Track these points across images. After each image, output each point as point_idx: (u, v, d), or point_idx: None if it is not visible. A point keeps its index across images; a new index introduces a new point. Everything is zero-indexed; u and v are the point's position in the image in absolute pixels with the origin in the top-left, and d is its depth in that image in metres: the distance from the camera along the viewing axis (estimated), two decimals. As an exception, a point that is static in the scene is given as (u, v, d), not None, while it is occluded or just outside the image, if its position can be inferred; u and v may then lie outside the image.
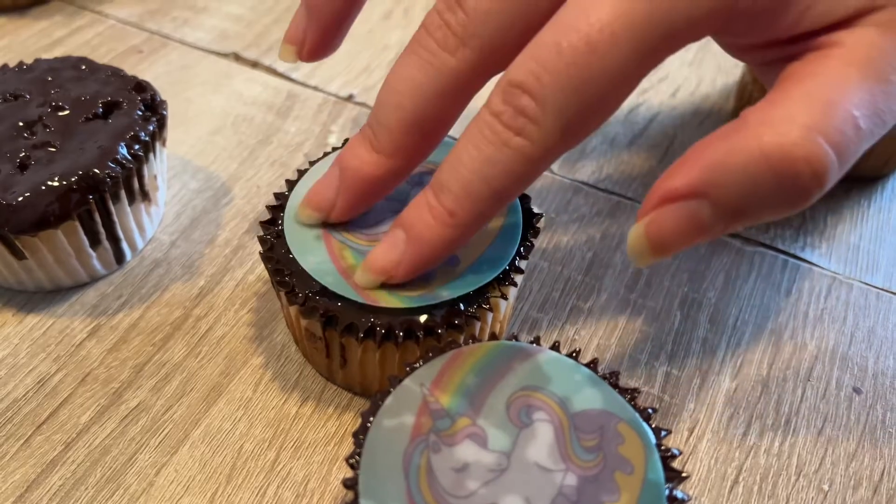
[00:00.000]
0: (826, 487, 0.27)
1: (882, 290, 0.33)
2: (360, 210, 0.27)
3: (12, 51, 0.42)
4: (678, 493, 0.22)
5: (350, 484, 0.22)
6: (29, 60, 0.38)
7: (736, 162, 0.21)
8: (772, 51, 0.24)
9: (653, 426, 0.23)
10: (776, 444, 0.28)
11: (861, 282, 0.33)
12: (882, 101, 0.22)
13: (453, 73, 0.24)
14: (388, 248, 0.25)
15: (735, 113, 0.40)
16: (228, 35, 0.44)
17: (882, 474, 0.27)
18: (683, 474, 0.22)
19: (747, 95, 0.39)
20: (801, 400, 0.29)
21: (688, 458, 0.28)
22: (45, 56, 0.42)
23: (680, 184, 0.22)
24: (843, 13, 0.23)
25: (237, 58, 0.43)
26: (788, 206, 0.22)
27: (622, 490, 0.21)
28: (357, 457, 0.22)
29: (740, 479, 0.27)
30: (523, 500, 0.21)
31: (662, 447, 0.22)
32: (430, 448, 0.22)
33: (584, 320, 0.31)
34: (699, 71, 0.43)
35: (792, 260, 0.34)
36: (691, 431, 0.28)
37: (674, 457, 0.22)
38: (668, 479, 0.22)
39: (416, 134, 0.25)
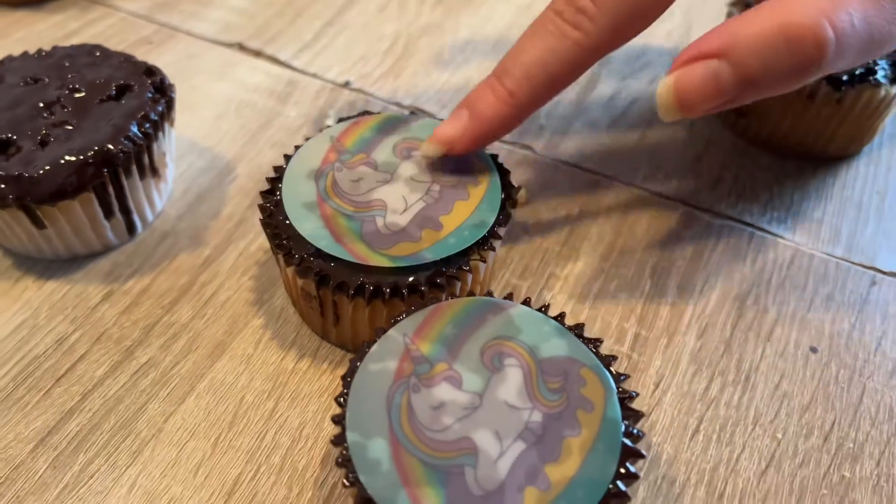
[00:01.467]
0: (780, 436, 0.29)
1: (841, 259, 0.35)
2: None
3: (29, 42, 0.45)
4: (634, 430, 0.24)
5: (338, 420, 0.24)
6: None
7: (756, 31, 0.26)
8: None
9: (613, 372, 0.25)
10: (735, 397, 0.30)
11: (822, 252, 0.36)
12: (873, 13, 0.26)
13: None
14: (452, 122, 0.30)
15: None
16: (233, 26, 0.47)
17: (833, 424, 0.30)
18: (640, 413, 0.24)
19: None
20: (761, 358, 0.32)
21: (653, 409, 0.30)
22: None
23: (707, 46, 0.26)
24: None
25: (241, 48, 0.46)
26: (794, 76, 0.26)
27: (583, 426, 0.24)
28: (345, 396, 0.24)
29: (701, 428, 0.29)
30: (493, 434, 0.23)
31: (621, 390, 0.25)
32: (411, 389, 0.24)
33: (561, 286, 0.34)
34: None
35: (758, 232, 0.36)
36: (657, 385, 0.31)
37: (632, 398, 0.25)
38: (625, 418, 0.24)
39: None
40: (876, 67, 0.37)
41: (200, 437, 0.29)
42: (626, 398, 0.25)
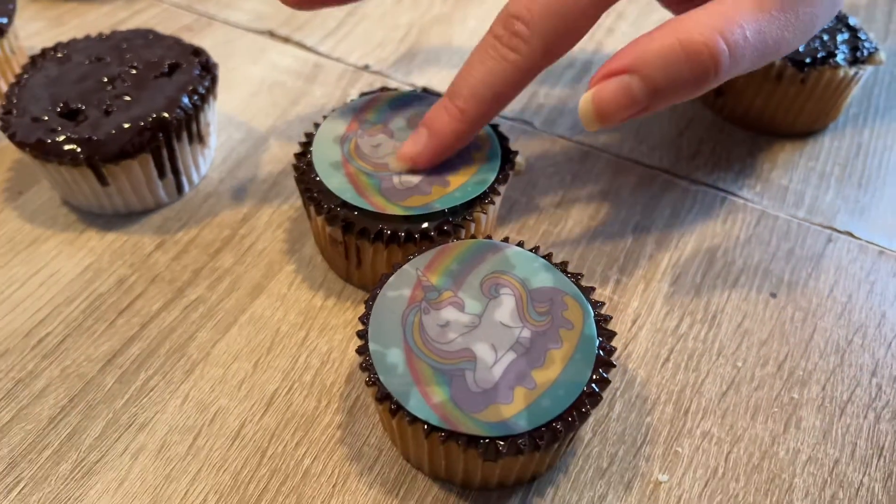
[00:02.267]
0: (740, 364, 0.34)
1: (802, 220, 0.40)
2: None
3: (83, 29, 0.50)
4: (607, 346, 0.29)
5: (362, 334, 0.29)
6: (99, 36, 0.46)
7: (659, 47, 0.30)
8: (691, 3, 0.32)
9: (591, 300, 0.30)
10: (702, 333, 0.35)
11: (786, 214, 0.40)
12: (765, 24, 0.31)
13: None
14: (413, 141, 0.34)
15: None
16: (264, 16, 0.52)
17: (786, 356, 0.34)
18: (612, 332, 0.29)
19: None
20: (727, 301, 0.36)
21: (630, 342, 0.35)
22: (112, 33, 0.50)
23: (618, 63, 0.30)
24: None
25: (272, 34, 0.51)
26: (695, 85, 0.30)
27: (564, 340, 0.29)
28: (367, 316, 0.29)
29: (671, 357, 0.34)
30: (489, 346, 0.28)
31: (597, 314, 0.30)
32: (422, 311, 0.29)
33: (553, 240, 0.39)
34: (666, 46, 0.50)
35: (730, 197, 0.41)
36: (634, 322, 0.35)
37: (606, 320, 0.30)
38: (600, 335, 0.29)
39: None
40: (836, 51, 0.41)
41: (243, 360, 0.34)
42: (601, 320, 0.29)
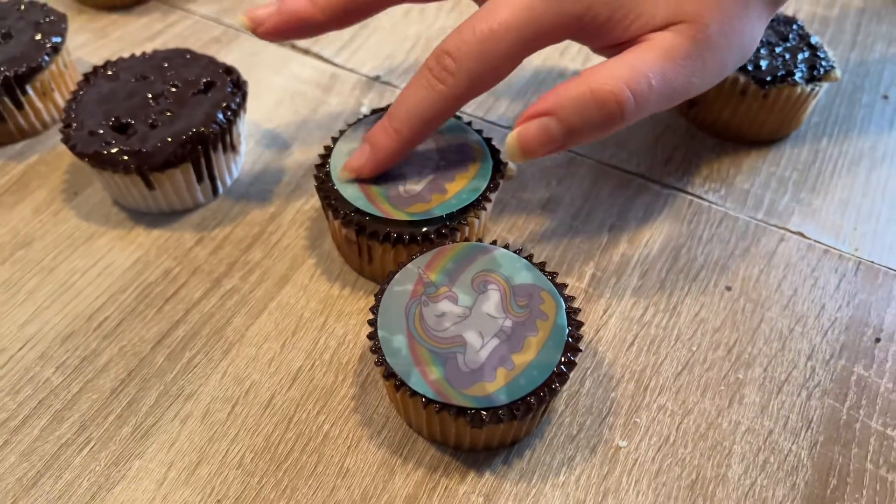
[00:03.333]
0: (694, 349, 0.40)
1: (760, 221, 0.46)
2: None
3: (125, 40, 0.56)
4: (575, 334, 0.35)
5: (372, 323, 0.35)
6: (138, 49, 0.52)
7: (574, 94, 0.35)
8: (612, 49, 0.37)
9: (564, 295, 0.36)
10: (664, 321, 0.41)
11: (746, 216, 0.46)
12: (670, 72, 0.36)
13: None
14: (358, 155, 0.39)
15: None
16: (285, 28, 0.58)
17: (735, 342, 0.40)
18: (581, 322, 0.35)
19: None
20: (687, 294, 0.42)
21: (601, 328, 0.41)
22: (149, 45, 0.56)
23: (541, 107, 0.36)
24: (654, 26, 0.36)
25: (293, 46, 0.56)
26: (604, 127, 0.36)
27: (539, 330, 0.34)
28: (377, 307, 0.35)
29: (635, 342, 0.40)
30: (477, 333, 0.34)
31: (568, 307, 0.35)
32: (422, 303, 0.35)
33: (539, 239, 0.44)
34: (648, 57, 0.55)
35: (696, 199, 0.47)
36: (605, 311, 0.41)
37: (576, 312, 0.35)
38: (569, 325, 0.35)
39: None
40: (795, 70, 0.47)
41: (272, 341, 0.40)
42: (571, 312, 0.35)
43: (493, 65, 0.36)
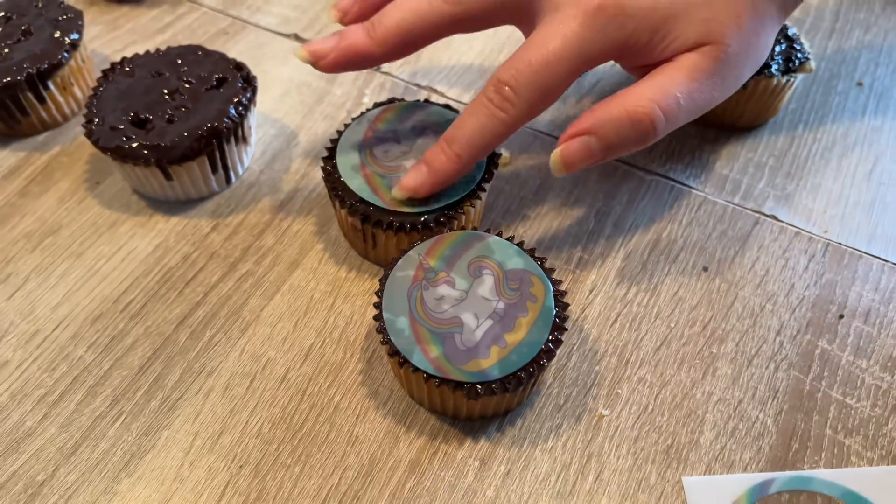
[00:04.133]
0: (672, 325, 0.43)
1: (737, 205, 0.49)
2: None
3: (136, 32, 0.59)
4: (562, 314, 0.38)
5: (377, 305, 0.38)
6: (149, 40, 0.55)
7: (612, 115, 0.39)
8: (646, 68, 0.40)
9: (552, 278, 0.39)
10: (645, 299, 0.44)
11: (724, 200, 0.49)
12: (695, 91, 0.39)
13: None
14: (415, 175, 0.42)
15: (657, 79, 0.56)
16: (290, 20, 0.60)
17: (710, 319, 0.44)
18: (567, 303, 0.39)
19: (663, 68, 0.54)
20: (667, 274, 0.46)
21: (587, 307, 0.44)
22: (160, 37, 0.58)
23: (582, 126, 0.39)
24: (685, 48, 0.40)
25: (297, 37, 0.59)
26: (638, 143, 0.40)
27: (530, 311, 0.38)
28: (381, 291, 0.39)
29: (618, 320, 0.44)
30: (473, 315, 0.38)
31: (556, 290, 0.39)
32: (423, 288, 0.39)
33: (531, 224, 0.48)
34: (636, 47, 0.58)
35: (678, 185, 0.50)
36: (591, 291, 0.45)
37: (563, 294, 0.39)
38: (557, 306, 0.38)
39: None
40: (771, 62, 0.50)
41: (285, 321, 0.43)
42: (558, 295, 0.39)
43: (548, 92, 0.40)
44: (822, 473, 0.38)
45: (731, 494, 0.38)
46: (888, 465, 0.39)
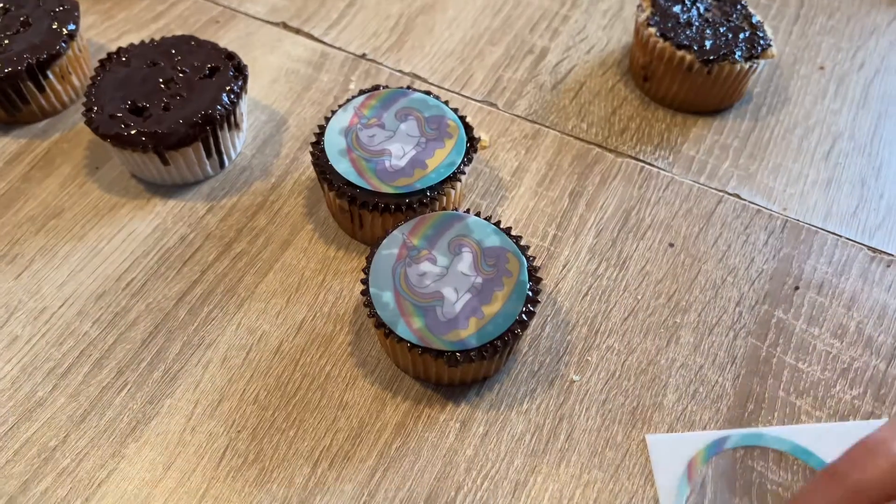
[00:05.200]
0: (639, 298, 0.47)
1: (702, 185, 0.52)
2: None
3: (130, 21, 0.61)
4: (535, 288, 0.41)
5: (364, 281, 0.41)
6: (143, 29, 0.57)
7: None
8: None
9: (527, 255, 0.42)
10: (614, 274, 0.48)
11: (689, 180, 0.52)
12: None
13: None
14: None
15: (629, 68, 0.58)
16: (278, 8, 0.63)
17: (675, 292, 0.47)
18: (540, 278, 0.42)
19: (634, 57, 0.57)
20: (635, 250, 0.49)
21: (560, 281, 0.47)
22: (153, 25, 0.61)
23: None
24: None
25: (285, 26, 0.61)
26: None
27: (505, 285, 0.41)
28: (368, 268, 0.42)
29: (589, 292, 0.47)
30: (453, 289, 0.41)
31: (530, 266, 0.42)
32: (406, 265, 0.42)
33: (508, 204, 0.51)
34: (609, 33, 0.61)
35: (647, 166, 0.53)
36: (564, 266, 0.48)
37: (536, 270, 0.42)
38: (530, 280, 0.41)
39: None
40: (735, 49, 0.52)
41: (278, 297, 0.46)
42: (532, 270, 0.42)
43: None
44: (773, 430, 0.42)
45: (690, 450, 0.41)
46: (834, 422, 0.42)
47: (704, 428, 0.42)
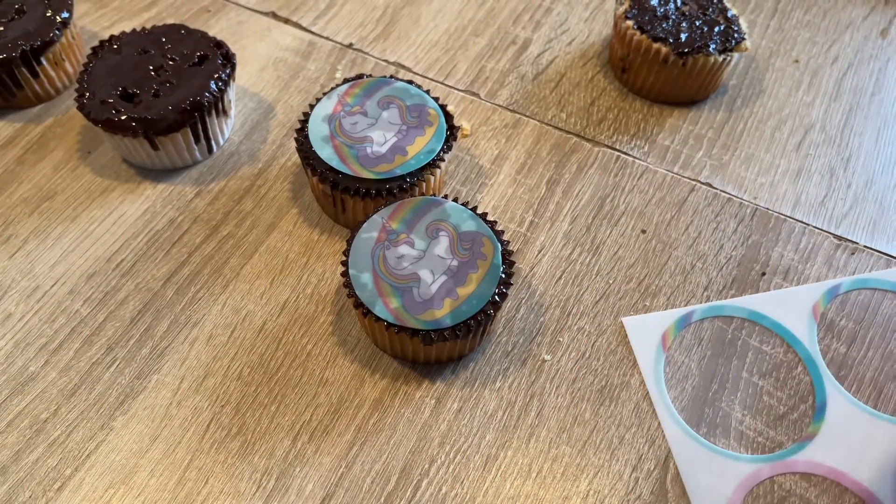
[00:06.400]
0: (611, 282, 0.48)
1: (675, 174, 0.54)
2: None
3: (122, 10, 0.62)
4: (508, 271, 0.43)
5: (344, 263, 0.43)
6: (135, 18, 0.59)
7: None
8: None
9: (501, 239, 0.44)
10: (588, 259, 0.49)
11: (664, 169, 0.54)
12: None
13: None
14: None
15: (609, 60, 0.60)
16: (267, -2, 0.64)
17: (645, 276, 0.49)
18: (513, 261, 0.43)
19: (612, 49, 0.58)
20: (608, 237, 0.50)
21: (535, 266, 0.49)
22: (145, 14, 0.62)
23: None
24: None
25: (274, 15, 0.63)
26: None
27: (480, 267, 0.43)
28: (348, 251, 0.43)
29: (562, 276, 0.49)
30: (430, 272, 0.42)
31: (504, 250, 0.44)
32: (385, 247, 0.43)
33: (488, 191, 0.52)
34: (591, 25, 0.63)
35: (623, 155, 0.55)
36: (539, 251, 0.50)
37: (510, 254, 0.44)
38: (504, 263, 0.43)
39: None
40: (710, 42, 0.54)
41: (263, 278, 0.48)
42: (506, 254, 0.44)
43: None
44: (731, 301, 0.48)
45: (661, 326, 0.47)
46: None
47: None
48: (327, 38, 0.61)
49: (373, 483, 0.41)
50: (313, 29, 0.62)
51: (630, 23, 0.55)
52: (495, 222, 0.45)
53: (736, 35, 0.55)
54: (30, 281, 0.48)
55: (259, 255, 0.49)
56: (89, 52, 0.53)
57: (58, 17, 0.54)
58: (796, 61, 0.61)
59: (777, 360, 0.45)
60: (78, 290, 0.47)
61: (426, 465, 0.41)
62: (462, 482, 0.41)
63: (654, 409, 0.44)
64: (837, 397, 0.44)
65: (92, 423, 0.43)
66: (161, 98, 0.50)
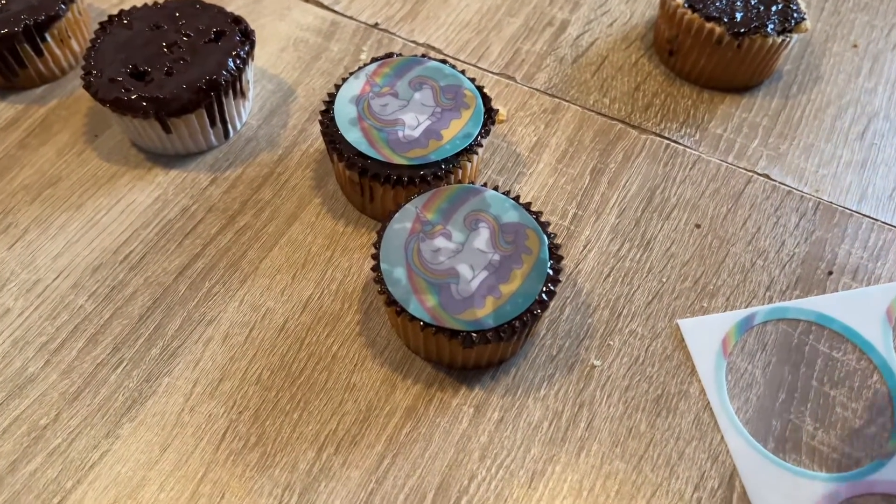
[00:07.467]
0: (664, 280, 0.44)
1: (730, 164, 0.49)
2: None
3: (133, -13, 0.59)
4: (556, 266, 0.39)
5: (375, 257, 0.39)
6: (146, -5, 0.55)
7: None
8: None
9: (548, 232, 0.40)
10: (638, 255, 0.45)
11: (717, 159, 0.50)
12: None
13: None
14: None
15: (653, 43, 0.56)
16: (287, -25, 0.60)
17: (702, 275, 0.45)
18: (561, 256, 0.39)
19: (659, 30, 0.54)
20: (660, 231, 0.46)
21: (580, 262, 0.45)
22: (157, -9, 0.58)
23: None
24: None
25: (294, -7, 0.59)
26: None
27: (524, 263, 0.39)
28: (379, 243, 0.39)
29: (611, 274, 0.44)
30: (469, 266, 0.38)
31: (551, 243, 0.40)
32: (420, 240, 0.39)
33: (526, 180, 0.48)
34: (632, 6, 0.58)
35: (672, 143, 0.50)
36: (585, 247, 0.45)
37: (557, 248, 0.40)
38: (551, 258, 0.39)
39: None
40: (767, 22, 0.50)
41: (284, 273, 0.44)
42: (553, 248, 0.39)
43: None
44: (796, 303, 0.44)
45: (720, 329, 0.42)
46: (871, 415, 0.40)
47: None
48: (351, 18, 0.57)
49: (406, 500, 0.37)
50: (336, 8, 0.58)
51: (680, 1, 0.51)
52: (540, 213, 0.41)
53: (795, 15, 0.51)
54: (30, 274, 0.44)
55: (279, 247, 0.45)
56: (97, 27, 0.49)
57: (64, -9, 0.50)
58: (855, 46, 0.57)
59: (850, 368, 0.41)
60: (82, 285, 0.43)
61: (465, 482, 0.37)
62: (506, 501, 0.37)
63: (716, 421, 0.39)
64: (920, 410, 0.40)
65: (96, 430, 0.39)
66: (174, 76, 0.46)
